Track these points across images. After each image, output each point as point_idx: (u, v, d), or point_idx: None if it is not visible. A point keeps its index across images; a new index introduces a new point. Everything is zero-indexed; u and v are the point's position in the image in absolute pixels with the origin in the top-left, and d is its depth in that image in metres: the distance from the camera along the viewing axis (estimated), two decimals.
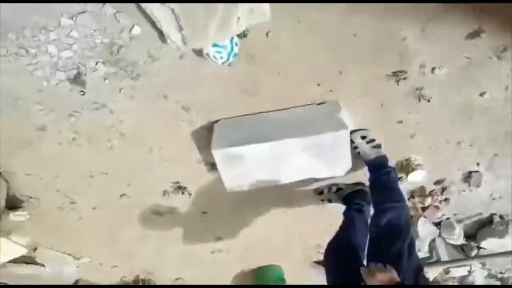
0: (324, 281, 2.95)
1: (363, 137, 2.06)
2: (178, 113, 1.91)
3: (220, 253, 2.92)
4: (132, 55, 1.67)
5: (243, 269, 3.12)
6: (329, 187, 2.40)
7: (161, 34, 1.54)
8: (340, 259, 1.86)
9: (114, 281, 3.12)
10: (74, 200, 2.39)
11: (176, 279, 3.17)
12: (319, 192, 2.42)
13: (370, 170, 2.09)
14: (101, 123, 1.93)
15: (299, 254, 2.94)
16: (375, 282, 1.33)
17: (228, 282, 3.22)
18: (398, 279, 1.33)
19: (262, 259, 3.03)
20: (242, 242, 2.81)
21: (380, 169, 2.05)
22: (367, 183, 2.24)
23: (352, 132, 2.03)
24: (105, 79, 1.73)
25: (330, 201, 2.43)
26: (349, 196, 2.33)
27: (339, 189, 2.38)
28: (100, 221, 2.54)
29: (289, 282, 2.95)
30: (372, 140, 2.06)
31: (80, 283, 3.06)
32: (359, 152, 2.08)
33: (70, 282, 3.09)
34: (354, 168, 2.10)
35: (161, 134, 2.02)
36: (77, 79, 1.70)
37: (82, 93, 1.75)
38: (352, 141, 2.04)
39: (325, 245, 2.86)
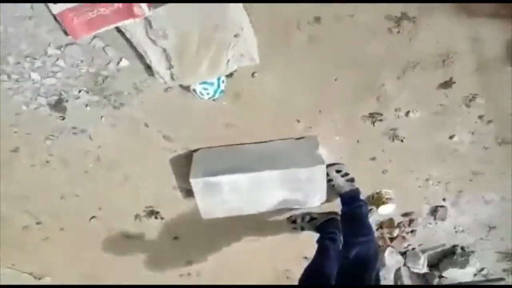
0: None
1: (338, 171, 2.12)
2: (158, 142, 1.90)
3: (189, 277, 2.88)
4: (117, 85, 1.66)
5: None
6: (303, 216, 2.44)
7: (148, 67, 1.54)
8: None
9: None
10: (41, 221, 2.31)
11: None
12: (293, 221, 2.45)
13: (342, 202, 2.14)
14: (78, 148, 1.89)
15: (268, 280, 2.95)
16: None
17: None
18: None
19: (231, 283, 3.02)
20: (212, 266, 2.79)
21: (352, 202, 2.11)
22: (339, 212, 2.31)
23: (328, 165, 2.08)
24: (86, 106, 1.70)
25: (303, 229, 2.46)
26: (322, 225, 2.38)
27: (312, 218, 2.42)
28: (66, 242, 2.47)
29: None
30: (346, 174, 2.12)
31: None
32: (333, 185, 2.13)
33: None
34: (328, 199, 2.15)
35: (139, 161, 2.00)
36: (58, 105, 1.66)
37: (62, 118, 1.71)
38: (327, 174, 2.09)
39: (294, 271, 2.91)
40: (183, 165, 2.01)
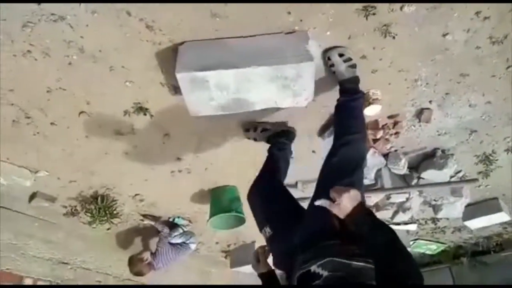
0: None
1: (341, 55, 2.01)
2: (141, 32, 1.83)
3: (180, 173, 3.00)
4: None
5: (201, 189, 3.25)
6: (256, 126, 2.45)
7: None
8: (264, 197, 1.98)
9: (72, 195, 3.17)
10: (30, 115, 2.32)
11: (135, 195, 3.26)
12: (246, 129, 2.48)
13: (341, 91, 2.08)
14: (59, 37, 1.81)
15: (254, 177, 3.07)
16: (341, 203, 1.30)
17: (186, 200, 3.36)
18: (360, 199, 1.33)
19: (220, 180, 3.16)
20: (201, 163, 2.89)
21: (351, 92, 2.04)
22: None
23: (330, 48, 2.00)
24: None
25: (255, 139, 2.50)
26: (274, 136, 2.43)
27: (264, 129, 2.45)
28: (58, 136, 2.51)
29: (244, 200, 3.12)
30: (349, 59, 2.02)
31: (38, 197, 3.09)
32: (334, 71, 2.05)
33: (27, 195, 3.10)
34: (315, 99, 2.14)
35: (123, 53, 1.94)
36: None
37: (37, 2, 1.61)
38: (328, 58, 2.01)
39: None
40: (170, 60, 1.96)
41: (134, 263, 3.41)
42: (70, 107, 2.28)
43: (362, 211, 1.30)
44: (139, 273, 3.42)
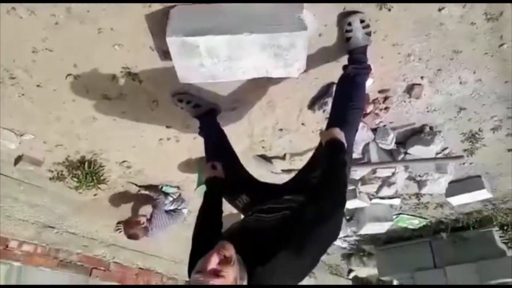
0: (262, 174, 3.15)
1: (362, 21, 1.94)
2: None
3: (168, 141, 2.98)
4: None
5: (189, 158, 3.25)
6: (189, 100, 2.41)
7: None
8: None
9: (59, 160, 3.14)
10: (15, 75, 2.26)
11: (122, 162, 3.24)
12: (179, 100, 2.43)
13: (351, 60, 2.04)
14: None
15: (245, 147, 3.08)
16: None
17: (173, 168, 3.36)
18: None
19: None
20: (190, 132, 2.86)
21: (361, 61, 2.02)
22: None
23: (351, 13, 1.94)
24: None
25: (182, 108, 2.48)
26: (202, 115, 2.45)
27: (196, 105, 2.43)
28: (44, 99, 2.46)
29: None
30: (368, 26, 1.96)
31: (23, 160, 3.05)
32: (350, 37, 1.99)
33: (12, 158, 3.07)
34: (307, 70, 2.12)
35: (111, 14, 1.88)
36: None
37: None
38: (349, 24, 1.95)
39: (269, 141, 3.04)
40: (160, 23, 1.91)
41: (130, 225, 3.44)
42: (57, 69, 2.22)
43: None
44: (134, 236, 3.46)
